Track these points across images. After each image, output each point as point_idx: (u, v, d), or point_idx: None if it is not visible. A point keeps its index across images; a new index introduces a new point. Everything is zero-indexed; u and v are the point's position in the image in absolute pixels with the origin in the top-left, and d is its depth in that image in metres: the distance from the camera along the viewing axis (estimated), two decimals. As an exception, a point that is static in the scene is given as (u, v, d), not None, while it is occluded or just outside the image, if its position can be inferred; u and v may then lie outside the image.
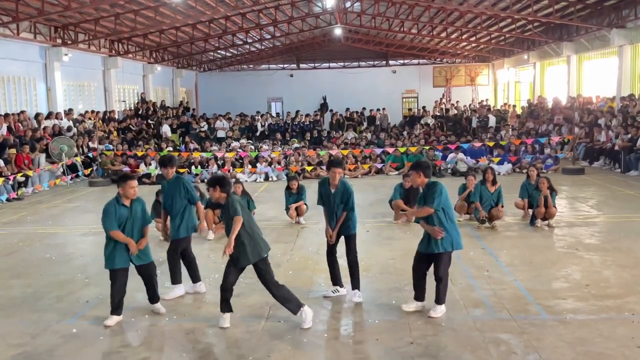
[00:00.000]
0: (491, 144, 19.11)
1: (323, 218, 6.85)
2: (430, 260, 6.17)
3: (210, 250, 9.11)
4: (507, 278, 7.39)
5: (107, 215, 6.11)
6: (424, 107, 30.03)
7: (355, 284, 6.70)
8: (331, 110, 30.30)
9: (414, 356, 5.26)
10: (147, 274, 6.35)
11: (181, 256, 7.04)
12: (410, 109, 31.10)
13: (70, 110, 21.44)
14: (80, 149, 18.73)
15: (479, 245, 8.93)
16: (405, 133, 24.53)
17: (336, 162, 6.82)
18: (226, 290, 5.96)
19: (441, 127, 26.18)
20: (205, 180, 17.16)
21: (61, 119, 19.92)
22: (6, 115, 17.64)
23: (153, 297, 6.45)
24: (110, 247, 6.14)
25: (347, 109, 29.64)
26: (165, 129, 24.16)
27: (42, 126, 18.78)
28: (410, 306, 6.31)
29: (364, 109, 30.36)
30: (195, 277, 7.13)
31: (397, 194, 10.66)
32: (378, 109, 30.22)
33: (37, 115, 19.20)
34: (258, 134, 26.03)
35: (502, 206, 10.11)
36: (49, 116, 19.78)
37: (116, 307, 6.17)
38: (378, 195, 13.78)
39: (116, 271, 6.14)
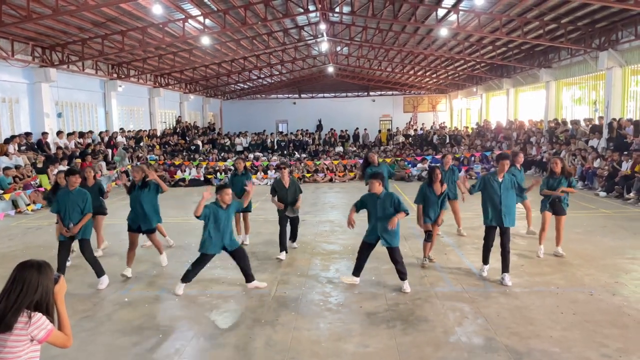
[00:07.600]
0: (448, 156, 19.06)
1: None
2: None
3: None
4: (461, 260, 7.40)
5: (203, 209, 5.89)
6: (397, 128, 30.05)
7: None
8: (332, 130, 30.11)
9: (390, 319, 5.25)
10: (239, 256, 6.12)
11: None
12: (388, 130, 31.10)
13: (122, 129, 21.39)
14: (130, 160, 18.65)
15: (438, 233, 8.91)
16: (381, 148, 24.51)
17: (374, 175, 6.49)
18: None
19: (410, 144, 26.15)
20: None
21: (116, 137, 19.83)
22: (72, 133, 17.59)
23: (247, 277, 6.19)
24: (205, 235, 5.97)
25: (332, 129, 29.68)
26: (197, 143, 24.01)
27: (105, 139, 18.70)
28: None
29: (357, 129, 30.32)
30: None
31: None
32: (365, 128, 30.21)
33: (99, 133, 19.15)
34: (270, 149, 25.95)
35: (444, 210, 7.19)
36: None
37: (188, 279, 6.11)
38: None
39: (205, 255, 6.02)
